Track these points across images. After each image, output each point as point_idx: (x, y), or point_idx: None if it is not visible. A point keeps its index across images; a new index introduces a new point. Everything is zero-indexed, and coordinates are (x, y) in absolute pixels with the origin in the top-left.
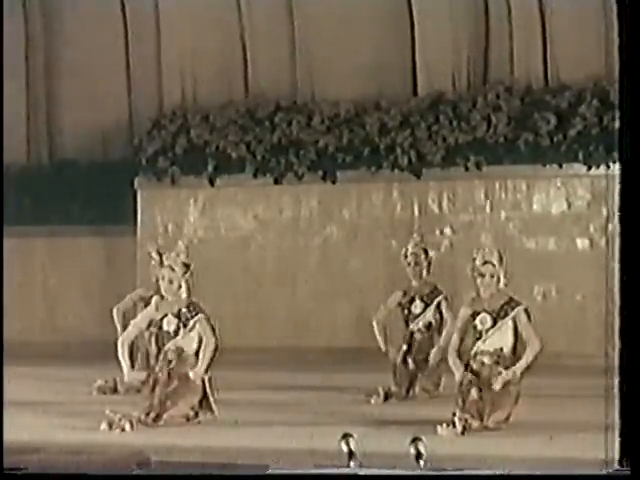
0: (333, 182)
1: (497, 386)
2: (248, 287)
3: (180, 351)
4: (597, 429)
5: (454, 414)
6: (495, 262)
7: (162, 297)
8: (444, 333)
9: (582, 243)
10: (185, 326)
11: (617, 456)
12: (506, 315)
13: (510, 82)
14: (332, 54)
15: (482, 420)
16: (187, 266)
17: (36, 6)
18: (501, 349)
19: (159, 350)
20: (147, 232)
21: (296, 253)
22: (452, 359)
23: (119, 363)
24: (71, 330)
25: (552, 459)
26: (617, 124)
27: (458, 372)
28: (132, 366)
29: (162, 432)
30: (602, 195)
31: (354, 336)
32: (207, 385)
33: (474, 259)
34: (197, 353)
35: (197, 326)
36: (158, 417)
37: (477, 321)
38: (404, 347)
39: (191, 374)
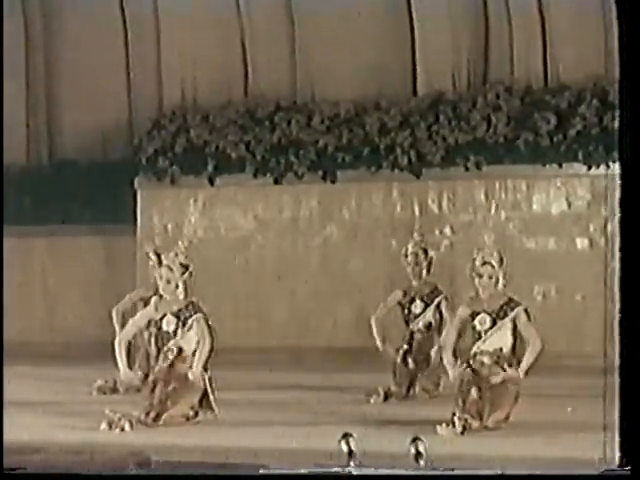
0: (333, 182)
1: (498, 379)
2: (248, 287)
3: (180, 351)
4: (597, 429)
5: (454, 414)
6: (494, 263)
7: (161, 297)
8: (444, 333)
9: (582, 243)
10: (184, 326)
11: (617, 456)
12: (505, 316)
13: (510, 82)
14: (332, 54)
15: (482, 420)
16: (185, 267)
17: (36, 6)
18: (500, 349)
19: (159, 350)
20: (147, 232)
21: (296, 253)
22: (447, 357)
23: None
24: (71, 330)
25: (552, 459)
26: (617, 124)
27: (452, 371)
28: (129, 365)
29: (162, 432)
30: (602, 195)
31: (354, 336)
32: (207, 384)
33: (474, 259)
34: (196, 353)
35: (195, 325)
36: (158, 417)
37: (476, 321)
38: (404, 347)
39: (189, 375)
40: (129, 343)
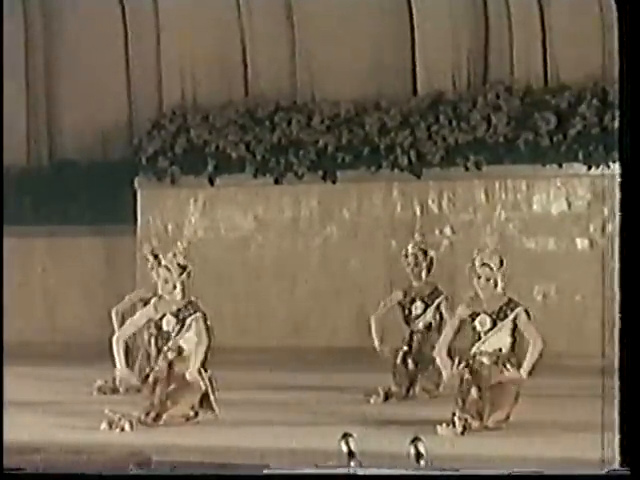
0: (333, 182)
1: (504, 379)
2: (248, 287)
3: (180, 350)
4: (597, 429)
5: (454, 414)
6: (493, 266)
7: (161, 297)
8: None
9: (582, 243)
10: (183, 325)
11: (617, 456)
12: (505, 317)
13: (510, 82)
14: (332, 54)
15: (482, 420)
16: (183, 267)
17: (36, 6)
18: (500, 349)
19: (159, 350)
20: (147, 232)
21: (296, 253)
22: (440, 357)
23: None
24: (71, 330)
25: (552, 459)
26: (617, 124)
27: (445, 370)
28: (127, 363)
29: (162, 432)
30: (602, 195)
31: (354, 336)
32: (207, 384)
33: (473, 260)
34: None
35: (194, 325)
36: (158, 417)
37: (476, 322)
38: (404, 347)
39: (187, 375)
40: (128, 343)
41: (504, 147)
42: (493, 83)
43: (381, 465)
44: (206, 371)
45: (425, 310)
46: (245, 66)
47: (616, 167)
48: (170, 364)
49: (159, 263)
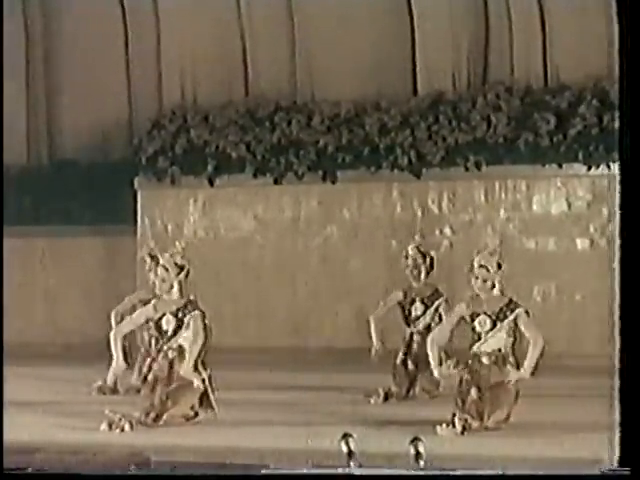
0: (333, 182)
1: (505, 379)
2: (248, 287)
3: (180, 350)
4: (597, 429)
5: (454, 414)
6: (490, 268)
7: (160, 298)
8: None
9: (582, 243)
10: (182, 325)
11: (617, 456)
12: (505, 317)
13: (510, 82)
14: (332, 54)
15: (482, 420)
16: (181, 267)
17: (36, 6)
18: (499, 349)
19: (159, 350)
20: (147, 232)
21: (296, 253)
22: (433, 353)
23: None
24: (71, 330)
25: (552, 459)
26: (617, 124)
27: (434, 362)
28: (125, 360)
29: (162, 432)
30: (602, 195)
31: (354, 336)
32: (207, 383)
33: (472, 260)
34: (199, 353)
35: (192, 323)
36: (158, 417)
37: (476, 323)
38: (403, 348)
39: (181, 371)
40: (129, 344)
41: (504, 147)
42: (493, 83)
43: (381, 465)
44: (205, 370)
45: (425, 311)
46: (245, 66)
47: (616, 167)
48: (170, 364)
49: (157, 263)
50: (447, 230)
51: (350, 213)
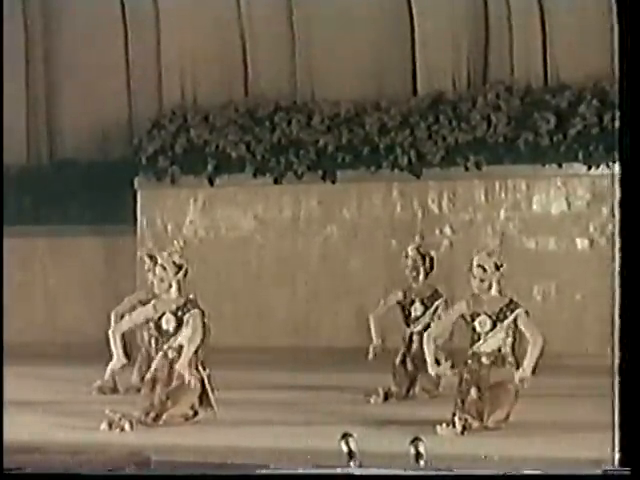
0: (333, 182)
1: (516, 379)
2: (248, 287)
3: (180, 349)
4: (597, 429)
5: (454, 414)
6: (487, 268)
7: (160, 297)
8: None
9: (582, 243)
10: (182, 324)
11: (617, 456)
12: (505, 318)
13: (510, 82)
14: (332, 54)
15: (482, 420)
16: (179, 266)
17: (36, 6)
18: (499, 349)
19: (159, 350)
20: (147, 232)
21: (296, 253)
22: (429, 348)
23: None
24: (71, 330)
25: (552, 459)
26: (617, 124)
27: (430, 362)
28: (126, 354)
29: (162, 432)
30: (602, 195)
31: (354, 336)
32: (206, 381)
33: (472, 259)
34: (196, 351)
35: (190, 321)
36: (158, 417)
37: (476, 323)
38: (403, 348)
39: (177, 366)
40: (129, 344)
41: (504, 147)
42: (493, 83)
43: (381, 465)
44: (205, 370)
45: (424, 312)
46: (245, 66)
47: (616, 167)
48: (170, 363)
49: (155, 263)
50: (447, 230)
51: (350, 213)
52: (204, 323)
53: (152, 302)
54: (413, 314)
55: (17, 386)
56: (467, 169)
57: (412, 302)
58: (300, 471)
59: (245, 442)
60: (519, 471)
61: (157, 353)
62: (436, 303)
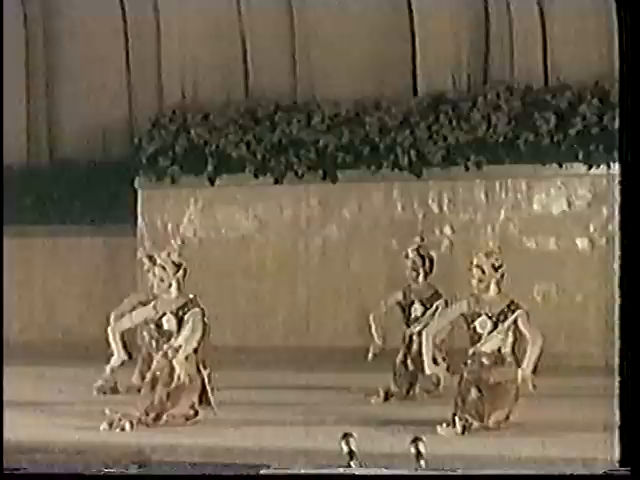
0: (333, 182)
1: (519, 379)
2: (248, 287)
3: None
4: (597, 429)
5: (454, 414)
6: (485, 269)
7: (160, 298)
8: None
9: (582, 243)
10: (182, 323)
11: (617, 456)
12: (506, 319)
13: (510, 82)
14: (332, 54)
15: (482, 420)
16: (178, 265)
17: (36, 6)
18: (499, 350)
19: (159, 350)
20: (147, 232)
21: (296, 253)
22: (427, 345)
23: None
24: (71, 330)
25: (552, 459)
26: (617, 124)
27: (427, 361)
28: (126, 351)
29: (162, 432)
30: (602, 195)
31: (354, 336)
32: (206, 381)
33: (471, 260)
34: (196, 350)
35: (191, 319)
36: (158, 417)
37: (477, 324)
38: (403, 349)
39: (174, 361)
40: (130, 344)
41: (504, 147)
42: (493, 83)
43: (381, 465)
44: (205, 369)
45: (424, 313)
46: (245, 66)
47: (616, 167)
48: (171, 363)
49: (154, 263)
50: (447, 230)
51: (350, 213)
52: (204, 322)
53: (152, 303)
54: (413, 315)
55: (17, 386)
56: (467, 169)
57: (412, 303)
58: (300, 471)
59: (245, 442)
60: (519, 471)
61: (157, 353)
62: (436, 304)
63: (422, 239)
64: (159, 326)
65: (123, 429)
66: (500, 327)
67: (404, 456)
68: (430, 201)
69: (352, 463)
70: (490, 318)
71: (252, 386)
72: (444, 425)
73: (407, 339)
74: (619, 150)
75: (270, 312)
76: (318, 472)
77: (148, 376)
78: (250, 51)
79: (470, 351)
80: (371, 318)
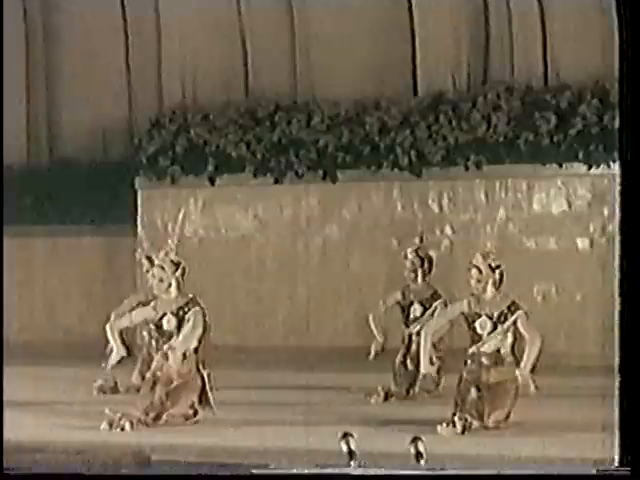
0: (333, 182)
1: (509, 378)
2: (248, 287)
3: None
4: (597, 429)
5: (454, 414)
6: (482, 269)
7: (160, 298)
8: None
9: (582, 243)
10: (182, 322)
11: (617, 456)
12: (506, 320)
13: (510, 82)
14: (332, 54)
15: (482, 420)
16: (177, 264)
17: (36, 6)
18: (498, 350)
19: (159, 349)
20: (147, 232)
21: (296, 253)
22: (425, 344)
23: (118, 362)
24: (71, 330)
25: (552, 459)
26: (617, 124)
27: (424, 360)
28: (125, 347)
29: (162, 431)
30: (602, 195)
31: (354, 336)
32: (206, 381)
33: (470, 260)
34: (196, 350)
35: (192, 318)
36: (158, 416)
37: (477, 324)
38: (403, 349)
39: (169, 354)
40: (129, 343)
41: (504, 147)
42: (493, 83)
43: (381, 465)
44: (205, 369)
45: (424, 313)
46: (245, 66)
47: (616, 167)
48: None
49: (153, 264)
50: (447, 229)
51: (350, 213)
52: (205, 320)
53: (152, 303)
54: (412, 315)
55: (17, 386)
56: (467, 169)
57: (411, 303)
58: (300, 471)
59: (245, 442)
60: (519, 471)
61: (157, 353)
62: (435, 304)
63: (421, 240)
64: (159, 327)
65: (123, 429)
66: (500, 328)
67: (404, 456)
68: (430, 201)
69: (352, 463)
70: (490, 319)
71: (252, 386)
72: (444, 425)
73: (406, 339)
74: (619, 150)
75: (270, 312)
76: (318, 472)
77: (148, 376)
78: (250, 51)
79: (470, 351)
80: (370, 318)
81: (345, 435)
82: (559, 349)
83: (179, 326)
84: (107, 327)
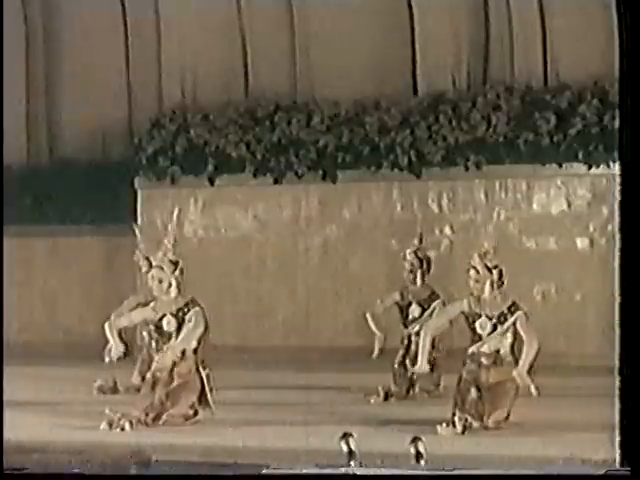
0: (333, 182)
1: (517, 378)
2: (248, 287)
3: (181, 350)
4: (597, 429)
5: (454, 414)
6: (480, 270)
7: (159, 300)
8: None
9: (582, 243)
10: (183, 323)
11: (617, 456)
12: (506, 320)
13: (510, 82)
14: (332, 54)
15: (482, 420)
16: (175, 264)
17: (36, 6)
18: (498, 350)
19: (159, 350)
20: (147, 232)
21: (296, 253)
22: (423, 342)
23: (117, 362)
24: (71, 330)
25: (552, 459)
26: (617, 124)
27: (422, 360)
28: (123, 343)
29: (162, 432)
30: (602, 195)
31: (354, 336)
32: (205, 381)
33: (470, 261)
34: (196, 350)
35: (193, 318)
36: (158, 417)
37: (477, 325)
38: (402, 349)
39: (169, 352)
40: (129, 343)
41: (504, 147)
42: (493, 83)
43: (381, 465)
44: (204, 369)
45: (422, 313)
46: (245, 66)
47: (616, 167)
48: (172, 364)
49: (151, 265)
50: (447, 230)
51: (350, 213)
52: (205, 321)
53: (151, 304)
54: (411, 315)
55: (17, 386)
56: (467, 169)
57: (409, 304)
58: (300, 471)
59: (245, 442)
60: (519, 471)
61: (157, 353)
62: (433, 305)
63: (420, 241)
64: (159, 327)
65: (123, 429)
66: (500, 329)
67: (404, 456)
68: (430, 201)
69: (352, 463)
70: (490, 319)
71: (252, 386)
72: (444, 425)
73: (405, 340)
74: (619, 150)
75: (270, 312)
76: (318, 472)
77: (148, 376)
78: (250, 51)
79: (469, 351)
80: (368, 317)
81: (345, 435)
82: (559, 349)
83: (179, 327)
84: (106, 325)
